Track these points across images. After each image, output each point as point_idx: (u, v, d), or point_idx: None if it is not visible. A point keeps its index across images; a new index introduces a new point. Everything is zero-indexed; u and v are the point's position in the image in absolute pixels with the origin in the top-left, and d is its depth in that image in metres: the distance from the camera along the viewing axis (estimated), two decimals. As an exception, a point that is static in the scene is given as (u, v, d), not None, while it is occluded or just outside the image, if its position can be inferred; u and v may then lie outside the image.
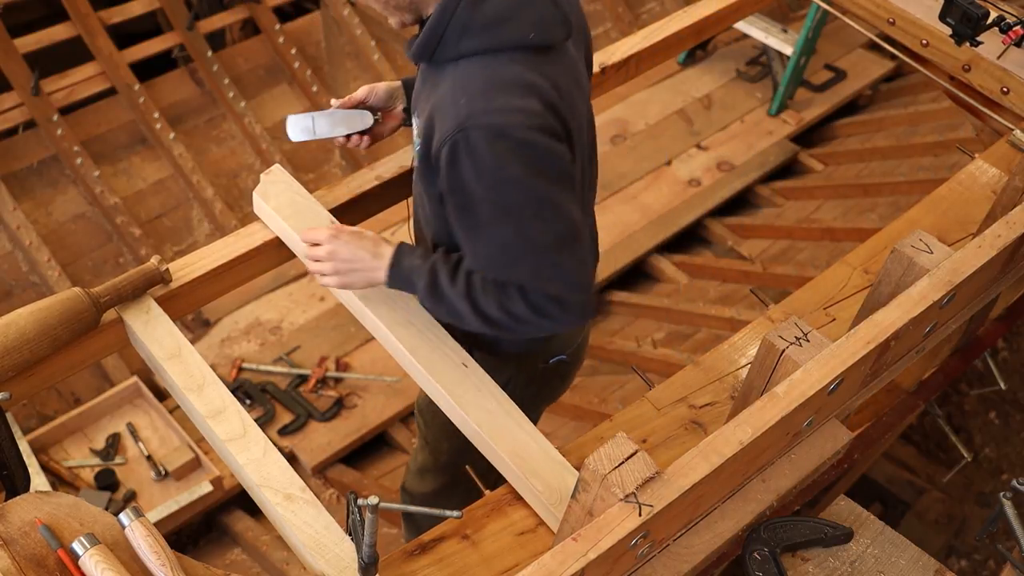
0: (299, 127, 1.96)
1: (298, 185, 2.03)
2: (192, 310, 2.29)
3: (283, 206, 1.98)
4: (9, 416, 1.69)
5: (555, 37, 1.63)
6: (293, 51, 4.56)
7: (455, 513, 1.37)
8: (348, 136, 1.97)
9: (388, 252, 1.77)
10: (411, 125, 1.87)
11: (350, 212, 2.08)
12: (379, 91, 1.96)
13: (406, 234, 2.18)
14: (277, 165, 2.07)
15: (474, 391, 1.80)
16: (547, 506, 1.68)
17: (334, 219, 1.98)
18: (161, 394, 3.55)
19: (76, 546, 1.30)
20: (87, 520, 1.38)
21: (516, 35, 1.58)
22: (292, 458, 3.53)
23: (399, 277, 1.77)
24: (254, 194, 2.02)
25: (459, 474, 2.22)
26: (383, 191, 2.13)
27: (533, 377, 2.03)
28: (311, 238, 1.83)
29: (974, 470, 4.05)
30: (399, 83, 1.99)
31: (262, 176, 2.04)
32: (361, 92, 1.96)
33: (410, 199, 2.05)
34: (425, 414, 2.28)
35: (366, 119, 1.95)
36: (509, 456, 1.72)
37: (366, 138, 1.97)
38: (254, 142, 4.40)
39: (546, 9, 1.61)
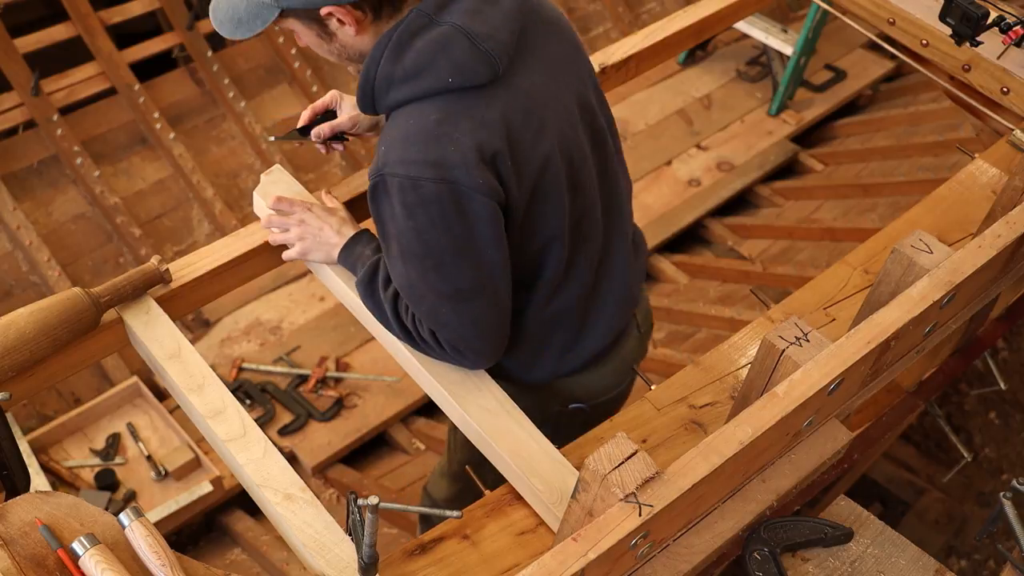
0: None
1: (299, 185, 2.04)
2: (192, 310, 2.29)
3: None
4: (9, 416, 1.69)
5: (478, 77, 1.63)
6: (293, 51, 4.56)
7: (455, 513, 1.37)
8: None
9: (349, 233, 1.89)
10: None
11: (350, 212, 2.08)
12: (363, 123, 2.00)
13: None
14: (277, 165, 2.08)
15: (474, 390, 1.81)
16: (547, 505, 1.68)
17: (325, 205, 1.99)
18: (161, 394, 3.55)
19: (76, 546, 1.30)
20: (87, 520, 1.38)
21: (435, 83, 1.61)
22: (292, 458, 3.53)
23: (347, 259, 1.88)
24: (254, 194, 2.02)
25: (470, 484, 2.25)
26: (383, 191, 2.13)
27: (548, 417, 2.01)
28: (284, 206, 1.93)
29: (974, 470, 4.05)
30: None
31: (262, 176, 2.05)
32: (343, 119, 1.99)
33: None
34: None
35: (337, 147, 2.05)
36: (509, 455, 1.72)
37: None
38: (254, 142, 4.40)
39: (463, 53, 1.61)
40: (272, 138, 2.14)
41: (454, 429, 2.32)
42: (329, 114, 2.02)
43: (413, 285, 1.71)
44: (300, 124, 2.02)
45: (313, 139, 2.01)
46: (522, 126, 1.68)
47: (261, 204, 2.01)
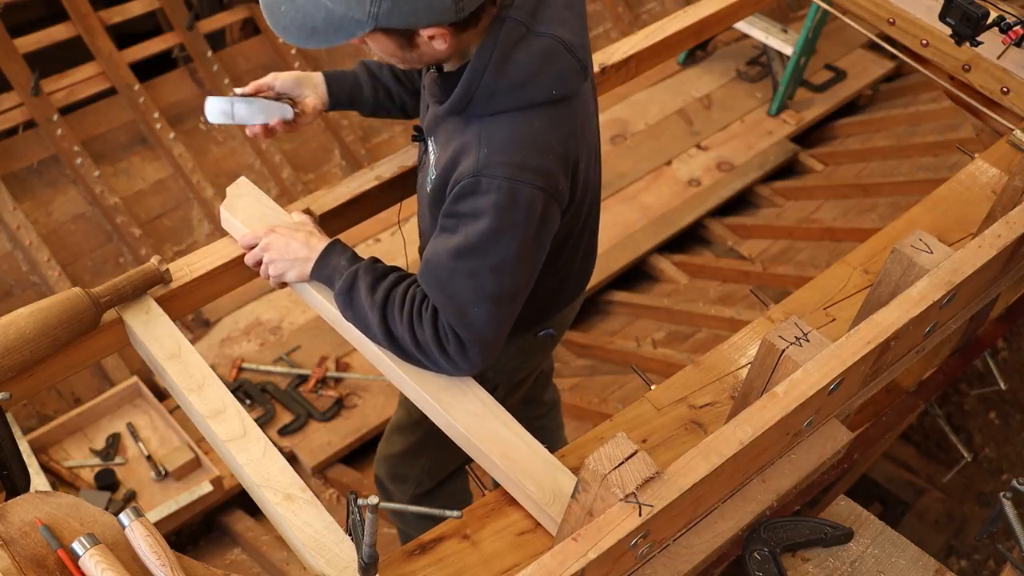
0: (218, 110, 1.96)
1: (266, 197, 2.02)
2: (192, 310, 2.30)
3: (252, 219, 1.97)
4: (9, 416, 1.69)
5: (575, 87, 1.70)
6: (293, 51, 4.56)
7: (455, 513, 1.37)
8: (266, 125, 1.98)
9: (319, 247, 1.86)
10: (329, 111, 2.06)
11: (350, 212, 2.08)
12: (286, 79, 2.01)
13: (404, 235, 2.19)
14: (243, 177, 2.05)
15: (459, 395, 1.79)
16: (540, 506, 1.67)
17: (293, 220, 1.97)
18: (161, 394, 3.56)
19: (76, 546, 1.30)
20: (87, 520, 1.38)
21: (539, 94, 1.66)
22: (292, 458, 3.53)
23: (321, 273, 1.86)
24: (221, 208, 2.00)
25: (428, 434, 2.26)
26: (383, 191, 2.13)
27: (519, 343, 2.11)
28: (249, 240, 1.91)
29: (974, 470, 4.05)
30: (313, 74, 2.05)
31: (228, 189, 2.02)
32: (268, 78, 2.01)
33: (403, 202, 2.16)
34: None
35: (286, 111, 1.97)
36: (498, 458, 1.71)
37: (283, 126, 2.00)
38: (254, 142, 4.40)
39: (565, 63, 1.67)
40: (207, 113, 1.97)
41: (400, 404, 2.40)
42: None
43: (457, 281, 1.70)
44: (240, 92, 1.97)
45: (238, 93, 1.95)
46: (587, 133, 1.77)
47: (229, 219, 1.99)
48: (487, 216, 1.64)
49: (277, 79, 2.01)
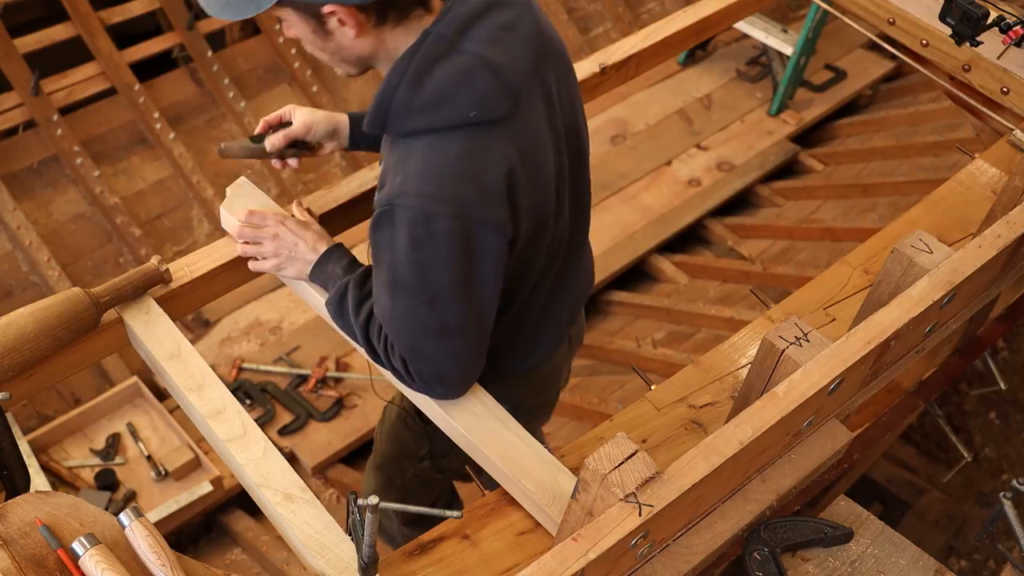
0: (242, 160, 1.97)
1: (266, 197, 2.01)
2: (192, 310, 2.29)
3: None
4: (9, 416, 1.69)
5: (499, 111, 1.58)
6: (293, 51, 4.56)
7: (455, 513, 1.37)
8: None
9: (322, 249, 1.85)
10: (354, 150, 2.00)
11: (350, 212, 2.08)
12: (318, 129, 1.95)
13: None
14: (243, 177, 2.04)
15: None
16: (540, 507, 1.67)
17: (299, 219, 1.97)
18: (161, 394, 3.56)
19: (76, 546, 1.30)
20: (87, 520, 1.38)
21: (456, 115, 1.56)
22: (292, 458, 3.53)
23: (318, 276, 1.85)
24: (221, 208, 1.99)
25: (392, 477, 2.31)
26: (383, 191, 2.13)
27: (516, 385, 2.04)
28: (257, 219, 1.88)
29: (974, 470, 4.05)
30: (343, 118, 1.98)
31: (228, 189, 2.01)
32: (297, 125, 1.94)
33: None
34: (387, 411, 2.33)
35: (292, 164, 1.99)
36: (498, 459, 1.72)
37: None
38: (254, 142, 4.40)
39: (487, 84, 1.57)
40: (222, 145, 2.00)
41: (381, 422, 2.36)
42: (285, 124, 1.96)
43: (398, 317, 1.67)
44: (255, 133, 1.96)
45: (268, 149, 1.95)
46: (532, 159, 1.65)
47: (229, 219, 1.98)
48: (405, 249, 1.58)
49: (310, 131, 1.95)
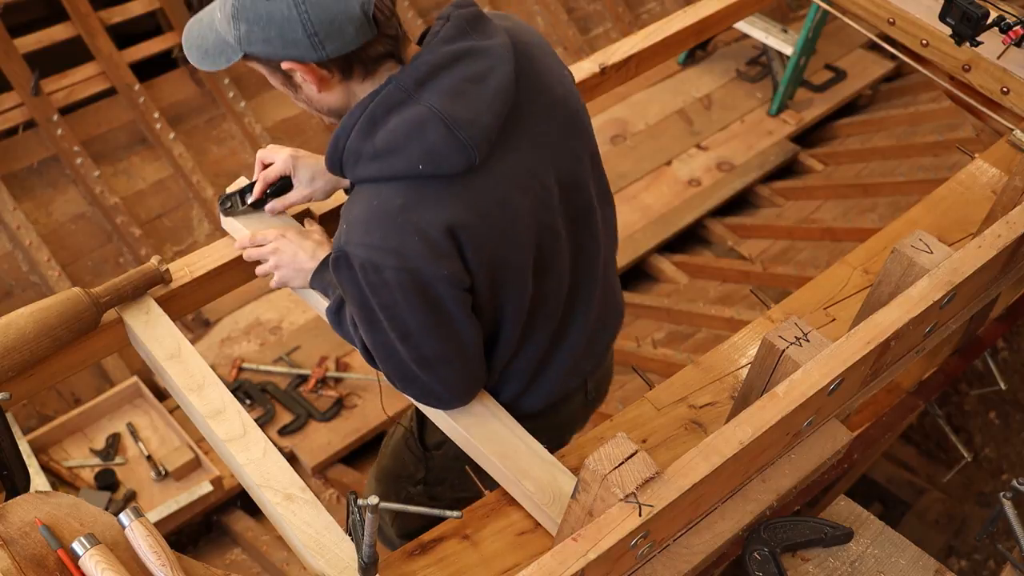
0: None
1: None
2: (192, 310, 2.29)
3: (251, 220, 1.96)
4: (9, 416, 1.69)
5: (451, 167, 1.53)
6: (293, 51, 4.56)
7: (455, 513, 1.37)
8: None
9: (321, 256, 1.83)
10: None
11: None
12: (318, 192, 1.93)
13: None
14: (243, 177, 2.03)
15: None
16: (540, 507, 1.68)
17: (299, 225, 1.96)
18: (161, 394, 3.55)
19: (76, 546, 1.30)
20: (87, 520, 1.38)
21: (404, 166, 1.52)
22: (292, 458, 3.53)
23: (319, 285, 1.84)
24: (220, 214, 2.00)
25: (388, 493, 2.29)
26: (383, 191, 2.13)
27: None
28: (259, 239, 1.89)
29: (974, 470, 4.05)
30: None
31: (228, 190, 2.01)
32: (296, 195, 1.92)
33: None
34: (396, 428, 2.31)
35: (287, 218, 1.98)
36: (498, 459, 1.72)
37: None
38: (254, 142, 4.40)
39: (439, 138, 1.51)
40: (222, 205, 1.96)
41: (389, 435, 2.34)
42: (284, 182, 1.93)
43: (376, 348, 1.67)
44: (253, 198, 1.93)
45: (268, 214, 1.94)
46: (493, 215, 1.59)
47: (230, 222, 1.97)
48: (363, 293, 1.58)
49: (310, 198, 1.93)
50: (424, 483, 2.19)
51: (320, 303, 1.88)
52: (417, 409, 1.96)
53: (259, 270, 1.92)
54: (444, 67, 1.54)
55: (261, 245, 1.89)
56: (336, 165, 1.60)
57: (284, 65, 1.54)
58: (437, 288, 1.57)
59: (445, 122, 1.51)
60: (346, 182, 1.91)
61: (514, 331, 1.75)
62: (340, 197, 2.06)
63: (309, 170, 1.91)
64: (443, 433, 1.85)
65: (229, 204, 1.97)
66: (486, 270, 1.61)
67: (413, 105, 1.52)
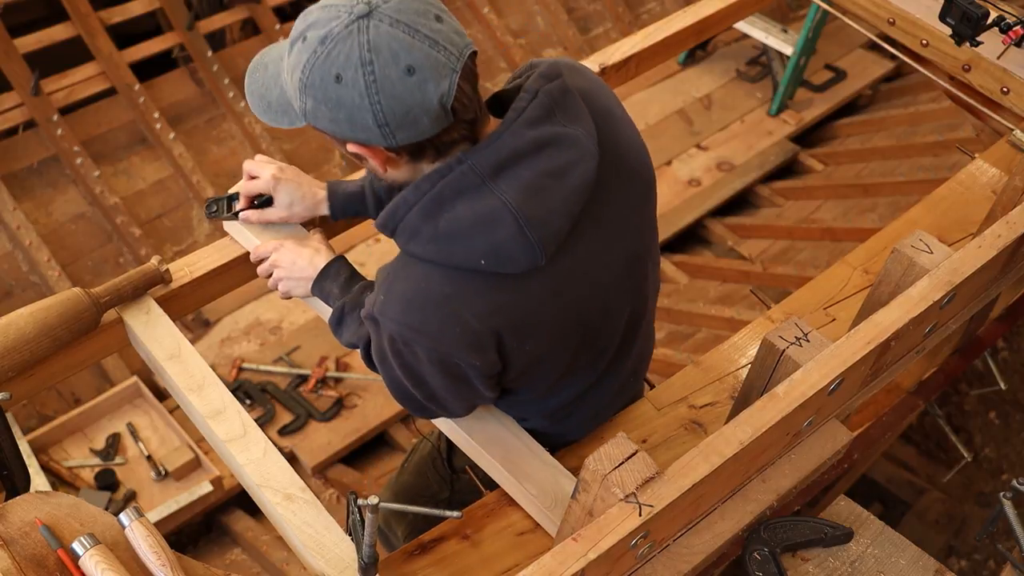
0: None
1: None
2: (192, 310, 2.29)
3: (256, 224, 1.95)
4: (9, 416, 1.69)
5: (516, 266, 1.42)
6: (293, 51, 4.56)
7: (455, 513, 1.37)
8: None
9: (320, 264, 1.81)
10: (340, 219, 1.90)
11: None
12: (295, 216, 1.90)
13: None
14: (241, 182, 2.05)
15: None
16: (542, 509, 1.68)
17: (304, 231, 1.97)
18: (161, 394, 3.56)
19: (76, 546, 1.30)
20: (87, 520, 1.38)
21: (463, 258, 1.41)
22: (292, 458, 3.53)
23: (319, 294, 1.82)
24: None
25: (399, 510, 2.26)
26: (383, 191, 2.13)
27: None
28: (259, 254, 1.88)
29: (974, 470, 4.05)
30: (321, 195, 1.88)
31: (229, 192, 2.01)
32: (274, 215, 1.89)
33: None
34: (422, 443, 2.29)
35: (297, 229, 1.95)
36: (500, 461, 1.72)
37: None
38: (254, 142, 4.40)
39: (508, 237, 1.39)
40: (208, 209, 1.93)
41: (413, 450, 2.31)
42: (268, 196, 1.90)
43: (386, 381, 1.64)
44: (238, 208, 1.91)
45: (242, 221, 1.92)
46: (543, 312, 1.50)
47: (232, 225, 1.97)
48: (386, 354, 1.54)
49: (262, 176, 1.86)
50: (447, 503, 2.18)
51: (327, 311, 1.87)
52: None
53: (268, 284, 1.90)
54: (526, 155, 1.41)
55: (263, 259, 1.88)
56: (388, 232, 1.49)
57: (350, 147, 1.44)
58: (466, 371, 1.52)
59: (519, 220, 1.39)
60: (325, 208, 1.88)
61: (538, 390, 1.71)
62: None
63: (288, 196, 1.87)
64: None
65: (215, 208, 1.96)
66: (524, 361, 1.55)
67: (487, 196, 1.40)
